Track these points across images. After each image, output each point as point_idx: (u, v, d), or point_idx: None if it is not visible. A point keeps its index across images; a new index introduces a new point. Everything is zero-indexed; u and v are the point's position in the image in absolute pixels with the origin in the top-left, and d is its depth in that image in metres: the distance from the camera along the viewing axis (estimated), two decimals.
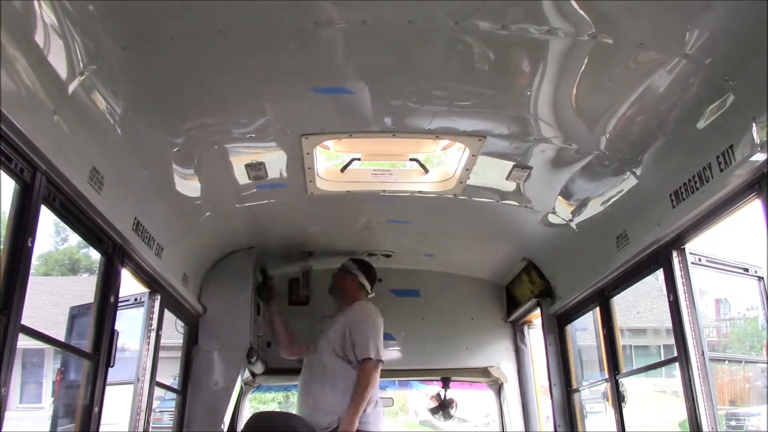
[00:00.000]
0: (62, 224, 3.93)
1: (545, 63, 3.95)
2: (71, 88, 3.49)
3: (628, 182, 4.88)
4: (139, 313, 5.63)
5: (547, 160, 5.09)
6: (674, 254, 4.60)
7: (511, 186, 5.57)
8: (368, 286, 6.81)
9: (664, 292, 4.77)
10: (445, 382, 8.33)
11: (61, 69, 3.40)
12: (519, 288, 7.63)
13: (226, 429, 7.04)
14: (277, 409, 17.01)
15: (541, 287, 7.08)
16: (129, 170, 4.54)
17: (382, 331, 6.40)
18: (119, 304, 4.77)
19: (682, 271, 4.58)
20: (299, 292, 7.77)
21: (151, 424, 5.55)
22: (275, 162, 5.27)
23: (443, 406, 8.43)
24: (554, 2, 3.41)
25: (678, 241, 4.54)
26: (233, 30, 3.60)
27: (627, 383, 5.86)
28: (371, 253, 7.51)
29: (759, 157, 3.45)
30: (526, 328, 8.02)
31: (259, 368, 7.43)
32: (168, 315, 5.99)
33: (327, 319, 6.75)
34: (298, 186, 5.65)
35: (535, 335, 7.88)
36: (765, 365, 8.20)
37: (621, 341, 6.08)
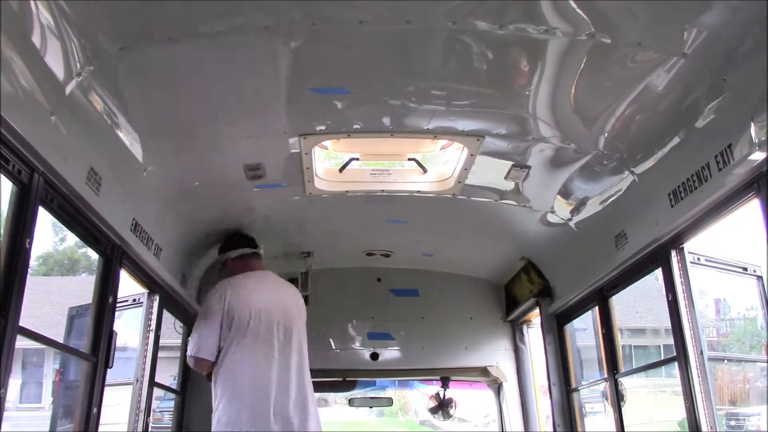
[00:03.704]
0: (59, 224, 3.93)
1: (543, 63, 3.94)
2: (69, 89, 3.49)
3: (627, 181, 4.87)
4: (138, 313, 5.64)
5: (545, 159, 5.09)
6: (673, 253, 4.60)
7: (509, 185, 5.57)
8: (239, 252, 5.97)
9: (663, 291, 4.76)
10: (445, 382, 8.34)
11: (59, 70, 3.39)
12: (518, 287, 7.63)
13: None
14: None
15: (540, 286, 7.08)
16: (127, 171, 4.54)
17: (210, 317, 5.37)
18: (118, 305, 4.77)
19: (681, 270, 4.57)
20: None
21: (150, 425, 5.55)
22: (274, 162, 5.26)
23: (443, 406, 8.44)
24: (552, 2, 3.40)
25: (677, 241, 4.54)
26: (231, 30, 3.60)
27: (626, 383, 5.86)
28: (370, 253, 7.51)
29: (757, 156, 3.44)
30: (525, 327, 8.02)
31: None
32: (167, 315, 5.99)
33: None
34: (296, 186, 5.64)
35: (534, 335, 7.88)
36: (765, 365, 8.19)
37: (620, 341, 6.08)
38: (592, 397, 7.26)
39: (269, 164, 5.27)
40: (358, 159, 5.65)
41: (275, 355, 5.42)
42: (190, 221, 5.89)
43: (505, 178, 5.39)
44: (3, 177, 3.17)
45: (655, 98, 4.04)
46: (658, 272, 4.82)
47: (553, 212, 5.87)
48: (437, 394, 8.47)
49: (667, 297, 4.66)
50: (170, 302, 6.02)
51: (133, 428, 5.34)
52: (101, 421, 4.49)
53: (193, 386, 6.72)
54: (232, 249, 6.03)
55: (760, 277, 5.09)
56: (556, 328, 6.99)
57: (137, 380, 5.45)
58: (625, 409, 5.77)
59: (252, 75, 4.11)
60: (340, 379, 8.17)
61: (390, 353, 7.88)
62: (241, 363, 5.33)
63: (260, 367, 5.35)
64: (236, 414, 5.23)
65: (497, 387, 8.13)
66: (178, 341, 6.79)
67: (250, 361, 5.34)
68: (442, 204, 6.03)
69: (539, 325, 7.22)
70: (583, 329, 7.04)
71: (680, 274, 4.57)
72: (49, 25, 3.17)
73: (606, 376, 6.04)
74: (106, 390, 4.55)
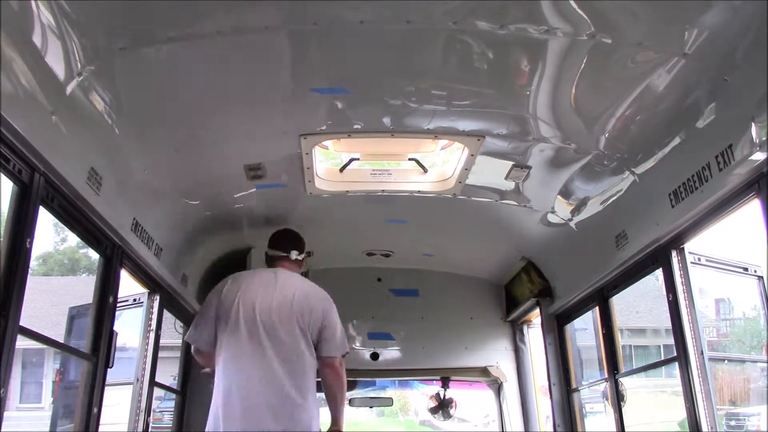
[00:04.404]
0: (60, 224, 3.92)
1: (544, 63, 3.94)
2: (69, 88, 3.49)
3: (627, 182, 4.87)
4: (138, 313, 5.64)
5: (546, 159, 5.09)
6: (673, 254, 4.59)
7: (510, 185, 5.57)
8: (266, 251, 5.40)
9: (663, 291, 4.76)
10: (445, 382, 8.35)
11: (59, 70, 3.39)
12: (518, 287, 7.63)
13: None
14: None
15: (540, 287, 7.08)
16: (127, 171, 4.53)
17: (205, 308, 5.04)
18: (118, 305, 4.77)
19: (681, 270, 4.57)
20: None
21: (150, 425, 5.55)
22: (274, 162, 5.26)
23: (443, 406, 8.45)
24: (553, 2, 3.40)
25: (677, 241, 4.54)
26: (231, 30, 3.60)
27: (627, 383, 5.86)
28: (370, 253, 7.51)
29: (758, 156, 3.44)
30: (525, 327, 8.02)
31: None
32: (167, 315, 5.99)
33: None
34: (296, 186, 5.64)
35: (534, 335, 7.88)
36: (765, 365, 8.19)
37: (621, 341, 6.08)
38: (592, 397, 7.26)
39: (269, 164, 5.27)
40: (358, 159, 5.65)
41: (248, 353, 4.81)
42: (190, 221, 5.89)
43: (506, 178, 5.39)
44: (4, 177, 3.17)
45: (656, 98, 4.04)
46: (659, 272, 4.83)
47: (553, 212, 5.87)
48: (437, 394, 8.47)
49: (668, 297, 4.66)
50: (170, 302, 6.02)
51: (133, 428, 5.34)
52: (101, 420, 4.49)
53: (194, 386, 6.72)
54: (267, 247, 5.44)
55: (760, 278, 5.08)
56: (556, 328, 6.99)
57: (137, 380, 5.45)
58: (626, 410, 5.77)
59: (252, 75, 4.11)
60: None
61: (390, 353, 7.89)
62: (221, 360, 4.87)
63: (233, 365, 4.82)
64: (213, 413, 4.78)
65: (497, 387, 8.13)
66: (178, 341, 6.79)
67: (226, 358, 4.84)
68: (443, 204, 6.03)
69: (539, 325, 7.22)
70: (584, 329, 7.04)
71: (681, 275, 4.57)
72: (50, 25, 3.17)
73: (606, 376, 6.04)
74: (106, 390, 4.55)
